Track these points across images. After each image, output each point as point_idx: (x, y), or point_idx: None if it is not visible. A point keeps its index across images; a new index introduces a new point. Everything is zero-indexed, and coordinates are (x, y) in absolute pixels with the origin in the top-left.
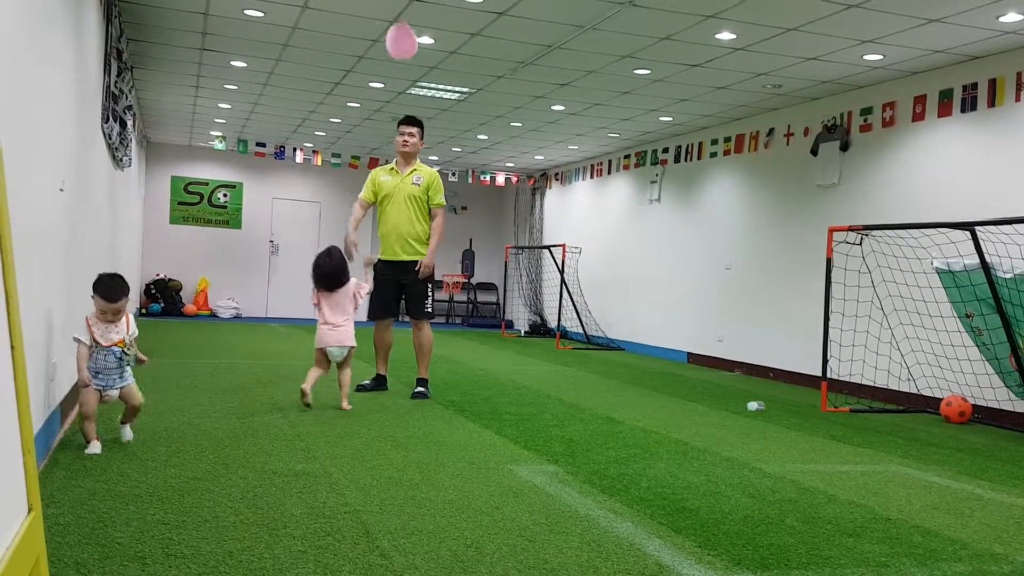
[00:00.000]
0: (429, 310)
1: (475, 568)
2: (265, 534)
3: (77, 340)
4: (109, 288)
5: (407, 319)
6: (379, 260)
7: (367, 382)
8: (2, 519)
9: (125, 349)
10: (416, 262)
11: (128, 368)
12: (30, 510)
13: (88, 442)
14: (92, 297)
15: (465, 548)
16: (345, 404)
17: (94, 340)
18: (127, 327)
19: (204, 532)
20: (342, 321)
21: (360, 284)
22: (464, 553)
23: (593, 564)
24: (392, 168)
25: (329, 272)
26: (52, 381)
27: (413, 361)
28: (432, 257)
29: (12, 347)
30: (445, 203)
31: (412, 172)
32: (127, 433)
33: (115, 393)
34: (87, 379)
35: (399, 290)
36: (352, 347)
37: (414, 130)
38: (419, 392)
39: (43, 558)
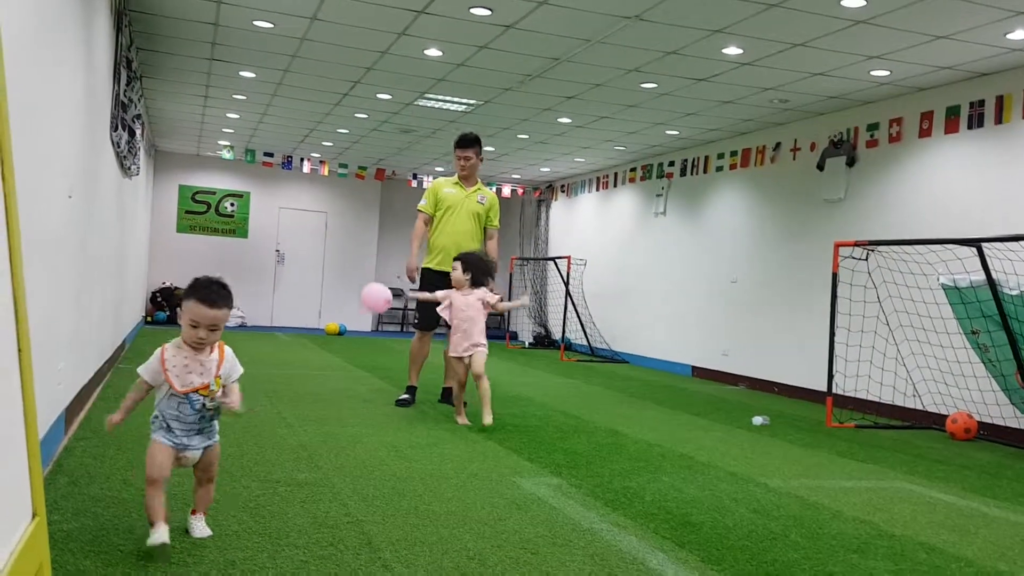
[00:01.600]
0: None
1: None
2: (268, 543)
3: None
4: (207, 290)
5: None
6: (428, 269)
7: (406, 396)
8: (6, 524)
9: (210, 400)
10: None
11: (216, 425)
12: (34, 515)
13: (151, 524)
14: (180, 309)
15: (468, 560)
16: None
17: (168, 381)
18: (219, 364)
19: (206, 541)
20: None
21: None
22: (467, 565)
23: None
24: (456, 182)
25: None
26: (59, 386)
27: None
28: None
29: (19, 350)
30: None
31: (476, 190)
32: (199, 527)
33: (196, 454)
34: (113, 420)
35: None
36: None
37: (470, 153)
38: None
39: (46, 564)
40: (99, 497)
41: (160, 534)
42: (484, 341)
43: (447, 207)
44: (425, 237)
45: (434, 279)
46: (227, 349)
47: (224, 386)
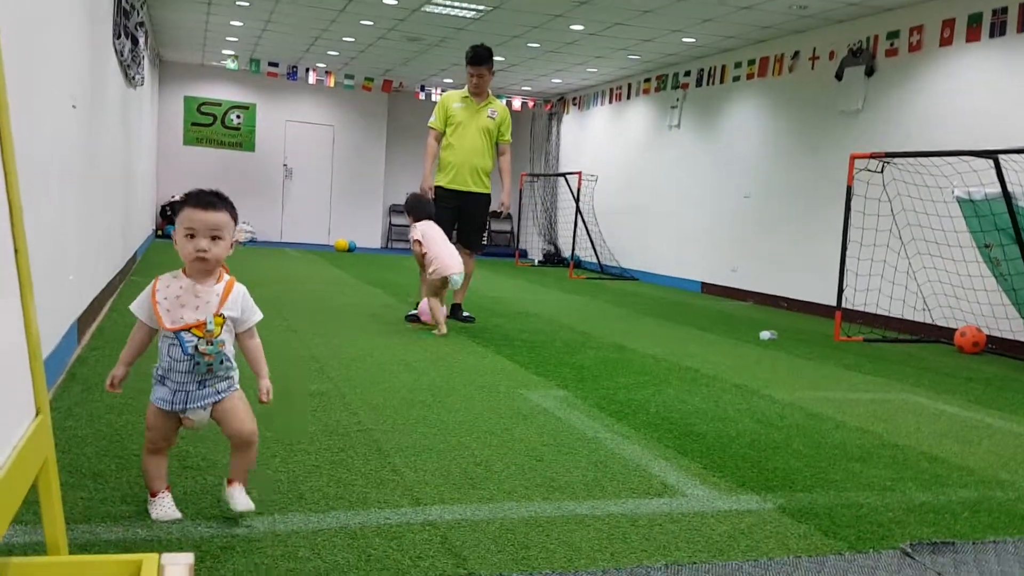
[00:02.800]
0: (484, 243)
1: (484, 484)
2: (281, 449)
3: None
4: (200, 194)
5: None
6: (441, 187)
7: (415, 312)
8: (10, 420)
9: (205, 343)
10: (482, 195)
11: (230, 373)
12: (38, 412)
13: (152, 494)
14: (176, 223)
15: (475, 466)
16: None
17: (156, 315)
18: (222, 299)
19: (220, 447)
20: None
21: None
22: (473, 471)
23: (599, 483)
24: (465, 96)
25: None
26: (69, 296)
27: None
28: (508, 197)
29: (16, 251)
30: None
31: (487, 104)
32: (239, 499)
33: (201, 416)
34: (114, 376)
35: (455, 220)
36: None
37: (483, 70)
38: (467, 316)
39: (52, 460)
40: (112, 404)
41: (162, 507)
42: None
43: (457, 123)
44: (438, 154)
45: (446, 197)
46: (238, 286)
47: (234, 333)
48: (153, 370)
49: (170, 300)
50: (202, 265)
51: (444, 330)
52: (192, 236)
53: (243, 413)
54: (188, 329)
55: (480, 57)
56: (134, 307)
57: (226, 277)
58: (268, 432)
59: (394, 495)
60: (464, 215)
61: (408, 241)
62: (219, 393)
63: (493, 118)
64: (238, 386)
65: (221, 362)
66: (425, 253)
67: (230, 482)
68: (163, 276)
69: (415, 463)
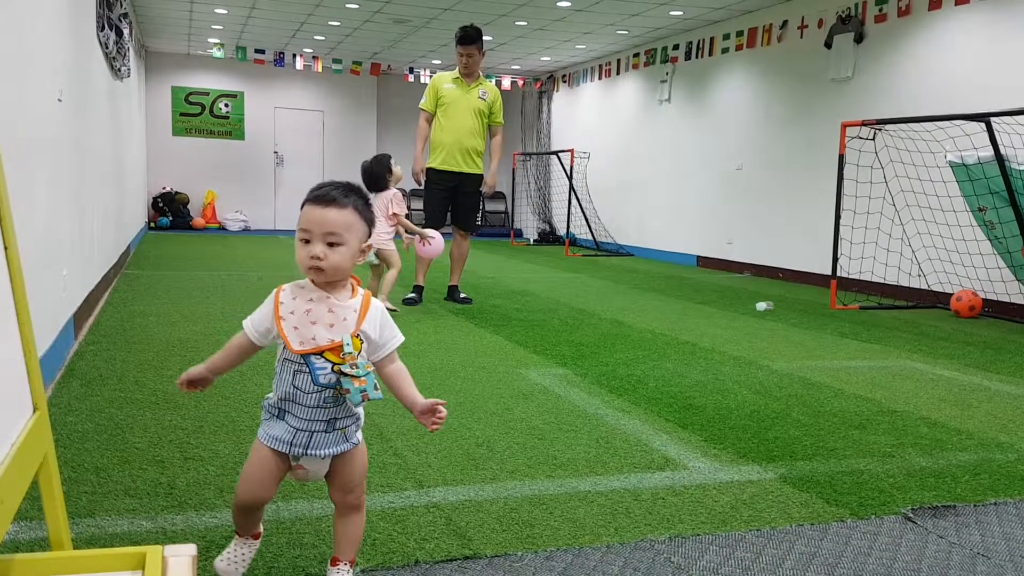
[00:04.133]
0: (478, 223)
1: (486, 464)
2: None
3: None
4: (321, 189)
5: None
6: (432, 169)
7: (413, 295)
8: (7, 418)
9: (350, 366)
10: (474, 176)
11: (356, 414)
12: (35, 409)
13: (241, 536)
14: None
15: (476, 447)
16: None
17: (280, 333)
18: (361, 315)
19: (221, 436)
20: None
21: (399, 199)
22: (475, 451)
23: (601, 459)
24: (456, 77)
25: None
26: (64, 292)
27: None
28: (495, 177)
29: (5, 247)
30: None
31: (478, 85)
32: None
33: (318, 467)
34: (192, 375)
35: (449, 202)
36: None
37: (472, 50)
38: (464, 297)
39: (51, 456)
40: (112, 398)
41: (236, 557)
42: (387, 246)
43: (448, 104)
44: (429, 136)
45: (438, 179)
46: (375, 301)
47: (370, 361)
48: (263, 401)
49: (298, 315)
50: (319, 276)
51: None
52: (307, 241)
53: (363, 469)
54: (321, 352)
55: (470, 37)
56: (249, 323)
57: (361, 291)
58: None
59: (397, 478)
60: (457, 196)
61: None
62: (347, 440)
63: (484, 99)
64: (360, 436)
65: (364, 395)
66: None
67: (334, 562)
68: (287, 286)
69: (417, 446)
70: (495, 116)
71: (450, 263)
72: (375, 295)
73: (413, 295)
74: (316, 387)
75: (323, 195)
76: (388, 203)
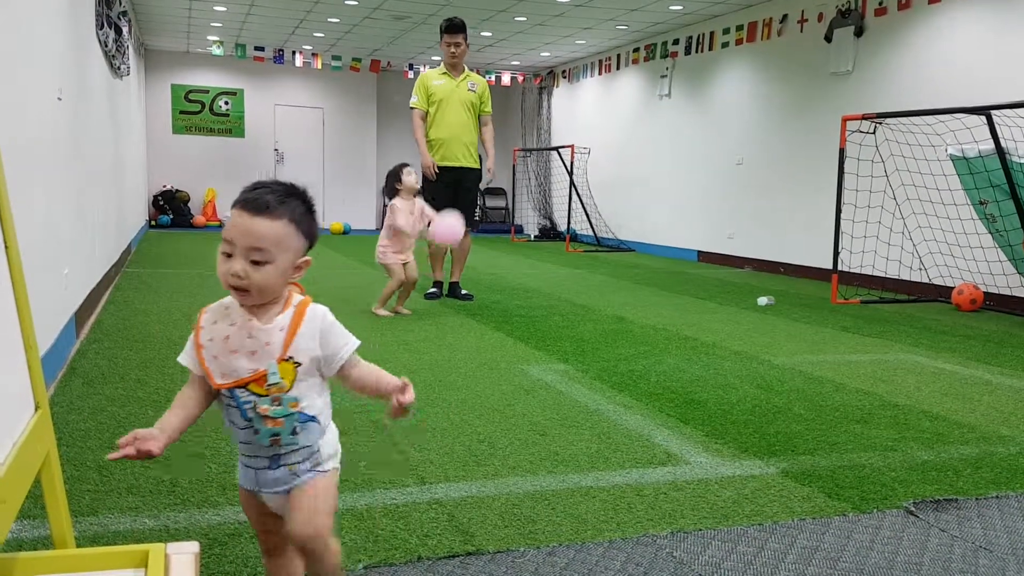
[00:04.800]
0: (477, 218)
1: (488, 461)
2: None
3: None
4: (255, 190)
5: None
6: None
7: (434, 289)
8: (9, 417)
9: (269, 402)
10: (473, 170)
11: (315, 445)
12: (37, 407)
13: None
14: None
15: (478, 443)
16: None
17: (202, 367)
18: (289, 336)
19: (223, 433)
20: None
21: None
22: (477, 448)
23: (603, 455)
24: (443, 72)
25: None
26: (66, 291)
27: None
28: (493, 163)
29: (6, 246)
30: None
31: (465, 78)
32: None
33: (273, 500)
34: (138, 437)
35: (453, 196)
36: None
37: (460, 39)
38: (466, 294)
39: (54, 454)
40: (114, 397)
41: None
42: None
43: (439, 100)
44: (426, 133)
45: (440, 175)
46: (315, 308)
47: (322, 378)
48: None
49: (218, 343)
50: (243, 299)
51: (384, 312)
52: (228, 254)
53: (318, 506)
54: (244, 385)
55: (456, 25)
56: (183, 359)
57: (296, 299)
58: None
59: (399, 475)
60: (458, 191)
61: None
62: (295, 476)
63: (474, 91)
64: (332, 465)
65: (294, 431)
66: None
67: None
68: (211, 307)
69: (419, 443)
70: (484, 105)
71: (451, 260)
72: (400, 306)
73: (434, 289)
74: (244, 421)
75: (254, 199)
76: (420, 213)
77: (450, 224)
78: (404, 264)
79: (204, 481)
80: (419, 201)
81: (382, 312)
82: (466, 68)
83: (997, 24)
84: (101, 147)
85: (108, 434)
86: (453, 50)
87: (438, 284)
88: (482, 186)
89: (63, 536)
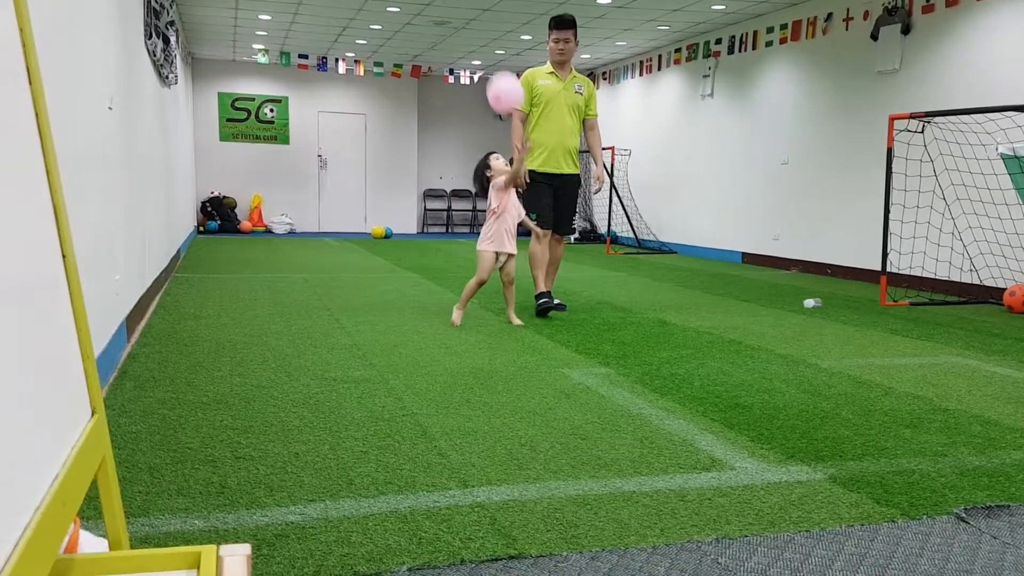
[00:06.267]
0: (575, 226)
1: (530, 464)
2: (328, 436)
3: None
4: None
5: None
6: (532, 171)
7: (545, 300)
8: (67, 422)
9: None
10: (574, 176)
11: None
12: (93, 413)
13: None
14: None
15: (520, 447)
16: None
17: None
18: None
19: (270, 435)
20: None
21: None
22: (519, 451)
23: (646, 459)
24: (551, 72)
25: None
26: (117, 296)
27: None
28: (603, 170)
29: (64, 255)
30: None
31: (573, 79)
32: None
33: None
34: None
35: (553, 203)
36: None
37: (569, 35)
38: (559, 304)
39: (109, 458)
40: (164, 399)
41: None
42: (515, 248)
43: (545, 101)
44: (526, 137)
45: (541, 181)
46: None
47: None
48: None
49: None
50: None
51: (458, 317)
52: None
53: None
54: None
55: (565, 20)
56: None
57: None
58: (315, 419)
59: (441, 478)
60: (559, 199)
61: (441, 223)
62: None
63: (581, 93)
64: None
65: None
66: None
67: None
68: None
69: (460, 446)
70: (590, 109)
71: (547, 268)
72: (510, 312)
73: (545, 299)
74: None
75: None
76: (516, 202)
77: (507, 85)
78: (503, 258)
79: (253, 483)
80: (513, 193)
81: (456, 314)
82: (573, 69)
83: None
84: (151, 155)
85: (158, 436)
86: (562, 47)
87: (545, 294)
88: (594, 195)
89: (118, 537)
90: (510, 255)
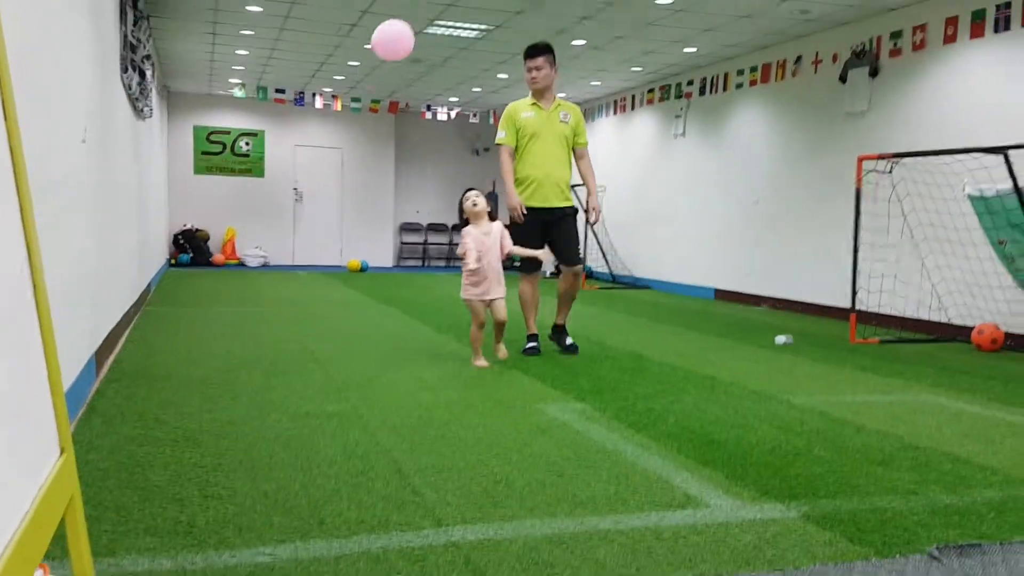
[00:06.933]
0: (582, 255)
1: (505, 502)
2: (300, 474)
3: None
4: None
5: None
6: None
7: (533, 344)
8: (35, 460)
9: None
10: (569, 208)
11: None
12: (62, 451)
13: None
14: None
15: (495, 484)
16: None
17: None
18: None
19: (240, 473)
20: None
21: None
22: (494, 488)
23: (621, 497)
24: (533, 103)
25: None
26: (87, 330)
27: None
28: (597, 200)
29: (35, 287)
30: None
31: (557, 108)
32: None
33: None
34: None
35: (544, 240)
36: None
37: (540, 61)
38: (571, 345)
39: (77, 498)
40: (132, 436)
41: None
42: (503, 286)
43: (529, 134)
44: (514, 171)
45: (530, 216)
46: None
47: None
48: None
49: None
50: None
51: (482, 362)
52: None
53: None
54: None
55: (535, 47)
56: None
57: None
58: (287, 456)
59: (415, 516)
60: (556, 232)
61: (417, 257)
62: None
63: (567, 122)
64: None
65: None
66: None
67: None
68: None
69: (435, 483)
70: (579, 137)
71: (556, 301)
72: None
73: (532, 344)
74: None
75: None
76: (498, 238)
77: (392, 31)
78: (490, 302)
79: (221, 522)
80: (496, 225)
81: (480, 363)
82: (556, 96)
83: (1013, 64)
84: (124, 188)
85: (126, 474)
86: (534, 75)
87: (534, 337)
88: (592, 226)
89: None
90: (495, 299)
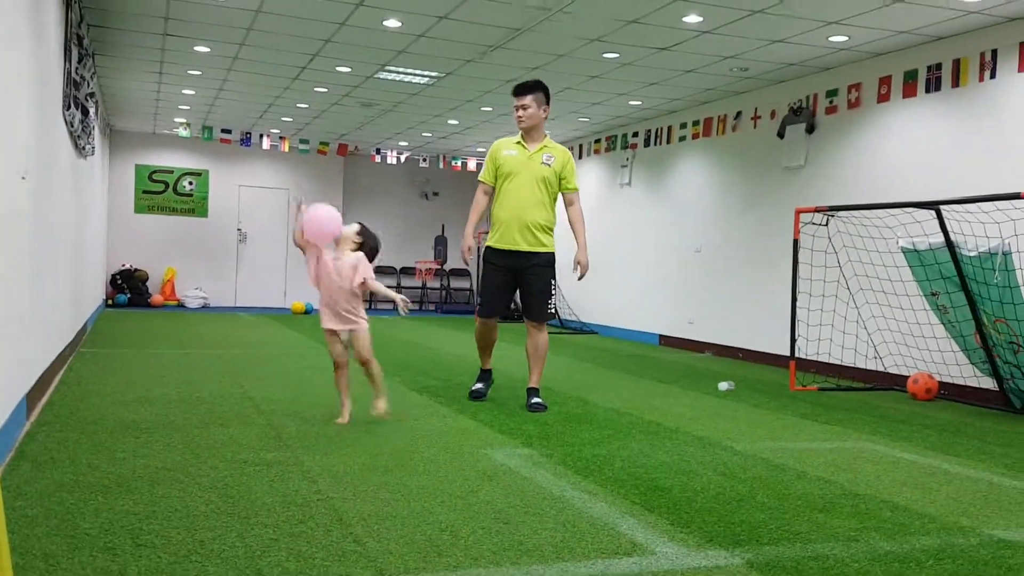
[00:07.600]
0: (552, 311)
1: (450, 552)
2: (237, 523)
3: None
4: None
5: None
6: (488, 247)
7: (480, 386)
8: None
9: None
10: (539, 254)
11: None
12: None
13: None
14: None
15: (440, 532)
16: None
17: None
18: None
19: (174, 522)
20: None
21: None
22: (439, 537)
23: (568, 544)
24: (518, 141)
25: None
26: (17, 371)
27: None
28: (586, 253)
29: None
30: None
31: (542, 149)
32: None
33: None
34: None
35: (513, 286)
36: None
37: (527, 100)
38: (537, 404)
39: (4, 546)
40: (63, 482)
41: None
42: (361, 316)
43: (506, 173)
44: (485, 211)
45: (496, 259)
46: None
47: None
48: None
49: None
50: None
51: (341, 418)
52: None
53: None
54: None
55: (522, 86)
56: None
57: None
58: (223, 504)
59: (357, 567)
60: (521, 280)
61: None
62: None
63: (549, 164)
64: None
65: None
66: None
67: None
68: None
69: (378, 532)
70: (567, 182)
71: (527, 361)
72: (375, 403)
73: (479, 385)
74: None
75: None
76: (351, 267)
77: (321, 216)
78: (336, 334)
79: (154, 572)
80: (356, 255)
81: (339, 419)
82: (546, 137)
83: (944, 122)
84: (62, 227)
85: (55, 520)
86: (519, 113)
87: (486, 374)
88: (577, 280)
89: None
90: (338, 331)
